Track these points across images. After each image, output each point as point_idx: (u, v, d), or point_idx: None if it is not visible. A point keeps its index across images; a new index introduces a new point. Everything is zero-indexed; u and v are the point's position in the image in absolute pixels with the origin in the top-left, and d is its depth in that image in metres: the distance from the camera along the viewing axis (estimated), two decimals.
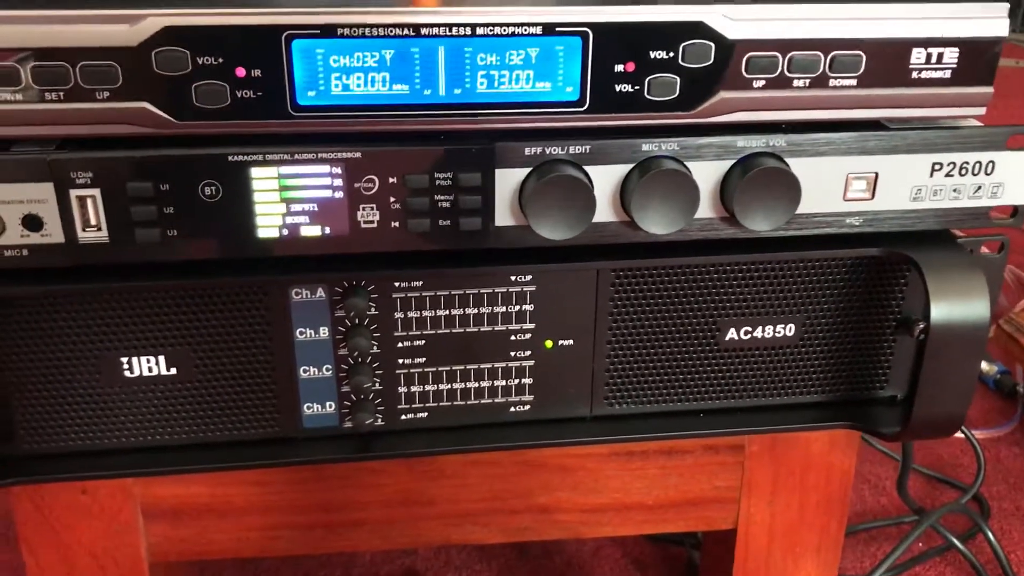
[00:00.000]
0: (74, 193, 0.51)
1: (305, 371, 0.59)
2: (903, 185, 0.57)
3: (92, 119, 0.49)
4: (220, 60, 0.49)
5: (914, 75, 0.54)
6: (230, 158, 0.51)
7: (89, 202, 0.51)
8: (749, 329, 0.61)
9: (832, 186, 0.56)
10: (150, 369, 0.57)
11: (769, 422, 0.63)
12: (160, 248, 0.52)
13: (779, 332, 0.62)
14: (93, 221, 0.51)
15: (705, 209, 0.55)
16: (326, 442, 0.61)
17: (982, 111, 0.56)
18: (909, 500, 0.98)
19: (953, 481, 1.15)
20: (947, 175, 0.57)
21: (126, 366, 0.57)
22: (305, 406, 0.60)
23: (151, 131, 0.50)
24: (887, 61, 0.53)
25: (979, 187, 0.57)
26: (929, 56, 0.53)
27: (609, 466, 0.66)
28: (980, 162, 0.57)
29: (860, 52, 0.53)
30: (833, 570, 0.72)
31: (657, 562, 1.03)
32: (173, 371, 0.58)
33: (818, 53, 0.53)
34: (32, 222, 0.51)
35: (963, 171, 0.57)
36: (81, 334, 0.56)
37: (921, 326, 0.58)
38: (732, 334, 0.61)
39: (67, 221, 0.51)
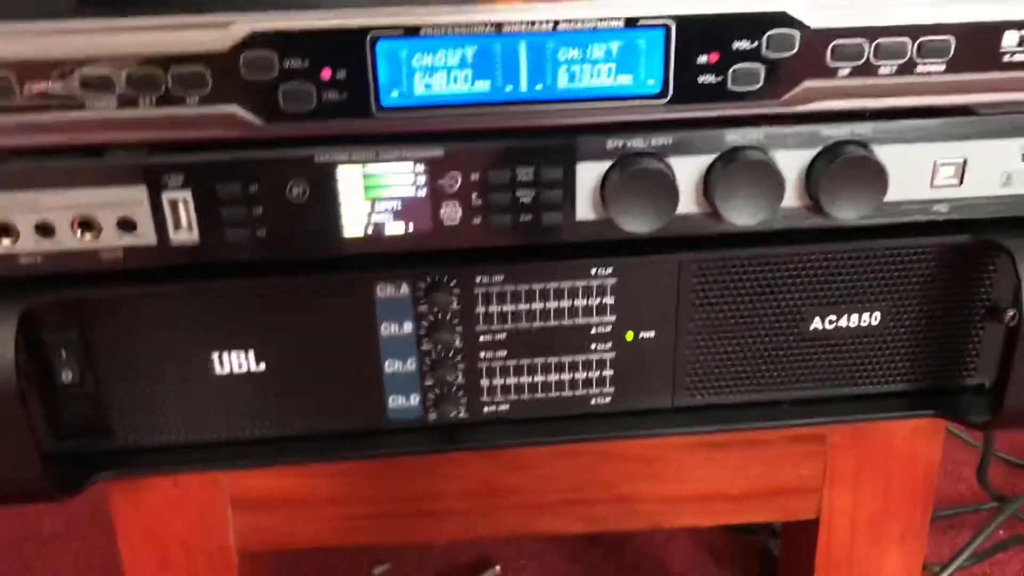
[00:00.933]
0: (166, 196, 0.52)
1: (390, 365, 0.60)
2: (993, 171, 0.55)
3: (183, 124, 0.50)
4: (306, 63, 0.49)
5: (1005, 58, 0.52)
6: (316, 159, 0.52)
7: (181, 204, 0.52)
8: (834, 318, 0.61)
9: (919, 173, 0.55)
10: (240, 365, 0.59)
11: (854, 411, 0.63)
12: (249, 248, 0.53)
13: (864, 321, 0.61)
14: (184, 223, 0.52)
15: (790, 198, 0.55)
16: (411, 434, 0.62)
17: None
18: (990, 487, 0.96)
19: None
20: None
21: (216, 362, 0.58)
22: (390, 399, 0.61)
23: (240, 134, 0.51)
24: (977, 45, 0.52)
25: None
26: (1021, 39, 0.52)
27: (690, 456, 0.66)
28: None
29: (949, 36, 0.51)
30: (918, 560, 0.71)
31: (731, 551, 1.02)
32: (262, 366, 0.59)
33: (905, 39, 0.51)
34: (127, 225, 0.52)
35: None
36: (173, 332, 0.57)
37: (1011, 313, 0.56)
38: (816, 323, 0.61)
39: (160, 223, 0.52)
